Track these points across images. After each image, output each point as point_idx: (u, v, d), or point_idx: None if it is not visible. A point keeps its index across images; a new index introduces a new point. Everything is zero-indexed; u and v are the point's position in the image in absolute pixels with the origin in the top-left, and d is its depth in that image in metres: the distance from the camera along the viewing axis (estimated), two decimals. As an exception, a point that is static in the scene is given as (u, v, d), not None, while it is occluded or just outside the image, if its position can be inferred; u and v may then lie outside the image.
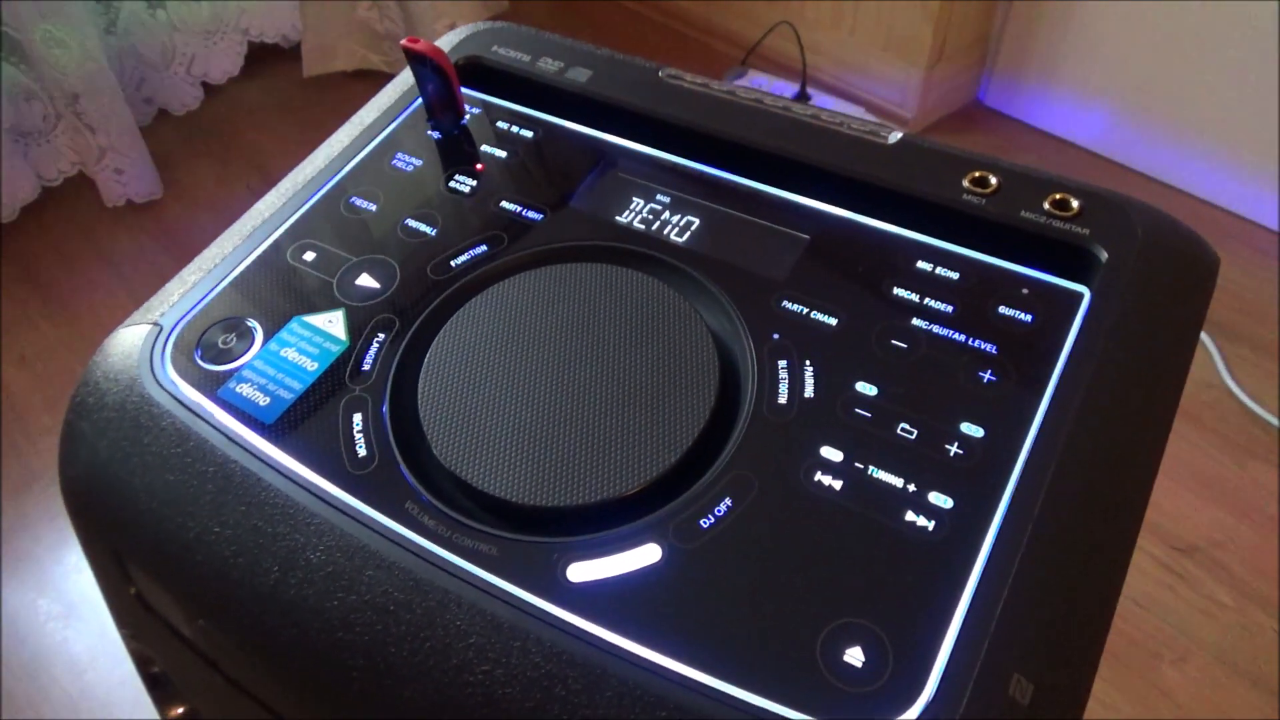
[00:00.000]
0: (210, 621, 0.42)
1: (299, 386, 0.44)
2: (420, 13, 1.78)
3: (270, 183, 0.54)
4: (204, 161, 1.74)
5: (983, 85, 1.84)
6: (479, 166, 0.53)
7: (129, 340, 0.47)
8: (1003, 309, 0.44)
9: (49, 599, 1.18)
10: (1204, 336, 1.43)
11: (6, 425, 1.36)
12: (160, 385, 0.44)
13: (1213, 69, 1.54)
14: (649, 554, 0.38)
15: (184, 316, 0.47)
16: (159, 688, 0.55)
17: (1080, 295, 0.45)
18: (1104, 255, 0.45)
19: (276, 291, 0.48)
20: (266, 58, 1.89)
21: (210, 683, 0.46)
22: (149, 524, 0.42)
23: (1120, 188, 0.48)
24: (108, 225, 1.63)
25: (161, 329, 0.47)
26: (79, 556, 1.19)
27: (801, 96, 1.75)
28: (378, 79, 1.81)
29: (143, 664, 0.54)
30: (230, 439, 0.43)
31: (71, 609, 1.17)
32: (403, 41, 0.50)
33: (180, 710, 0.56)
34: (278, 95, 1.87)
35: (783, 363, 0.43)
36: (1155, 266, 0.45)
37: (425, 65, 0.51)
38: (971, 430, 0.41)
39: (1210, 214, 1.63)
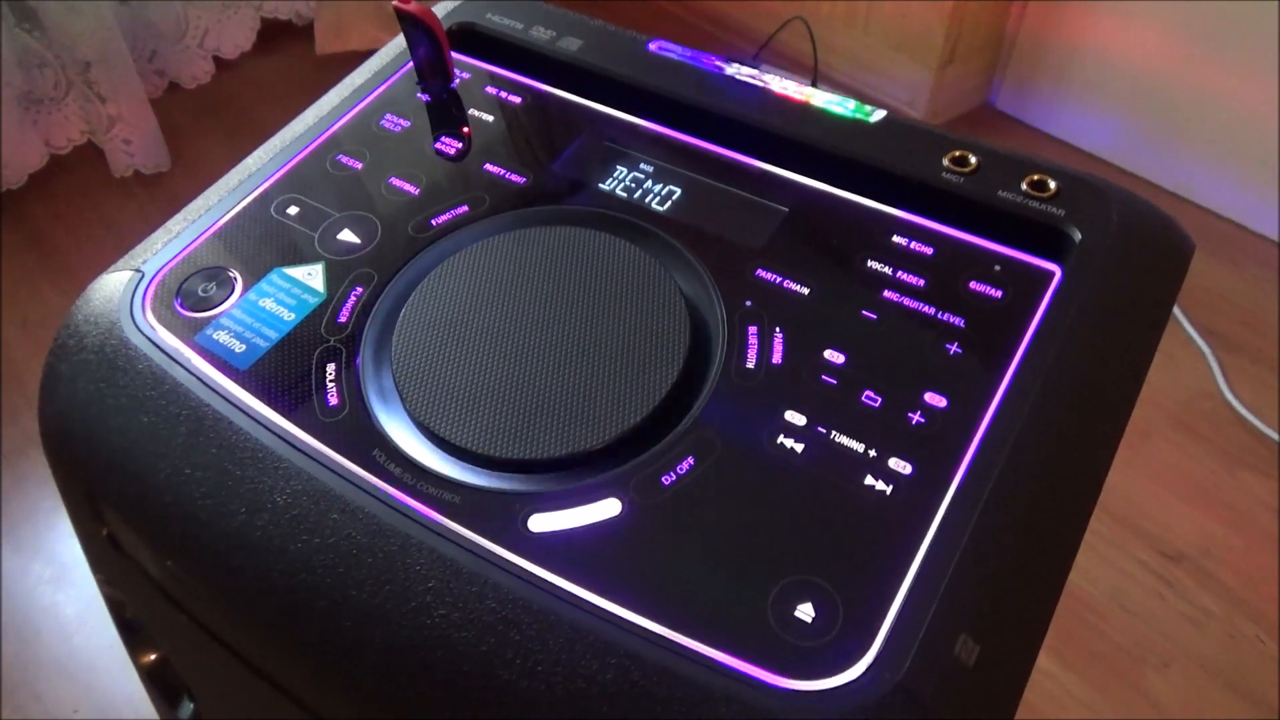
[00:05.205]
0: (177, 561, 0.42)
1: (275, 335, 0.45)
2: (434, -5, 1.78)
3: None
4: (213, 136, 1.75)
5: (995, 89, 1.84)
6: (466, 130, 0.53)
7: (111, 285, 0.47)
8: (974, 284, 0.45)
9: (42, 563, 1.19)
10: (1204, 347, 1.43)
11: (6, 388, 1.37)
12: (138, 329, 0.45)
13: (1222, 81, 1.53)
14: (609, 508, 0.39)
15: (166, 264, 0.48)
16: (133, 634, 0.56)
17: (1052, 274, 0.45)
18: (1078, 235, 0.45)
19: (259, 243, 0.48)
20: (279, 34, 1.90)
21: (179, 626, 0.47)
22: (122, 464, 0.43)
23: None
24: (115, 195, 1.64)
25: (143, 275, 0.47)
26: (72, 520, 1.20)
27: (811, 93, 1.75)
28: (389, 61, 1.81)
29: (117, 610, 0.55)
30: (204, 383, 0.43)
31: (64, 572, 1.18)
32: (394, 3, 0.50)
33: (153, 657, 0.56)
34: (289, 72, 1.88)
35: (753, 329, 0.44)
36: (1128, 248, 0.45)
37: (416, 28, 0.51)
38: (935, 400, 0.41)
39: (1217, 225, 1.63)
